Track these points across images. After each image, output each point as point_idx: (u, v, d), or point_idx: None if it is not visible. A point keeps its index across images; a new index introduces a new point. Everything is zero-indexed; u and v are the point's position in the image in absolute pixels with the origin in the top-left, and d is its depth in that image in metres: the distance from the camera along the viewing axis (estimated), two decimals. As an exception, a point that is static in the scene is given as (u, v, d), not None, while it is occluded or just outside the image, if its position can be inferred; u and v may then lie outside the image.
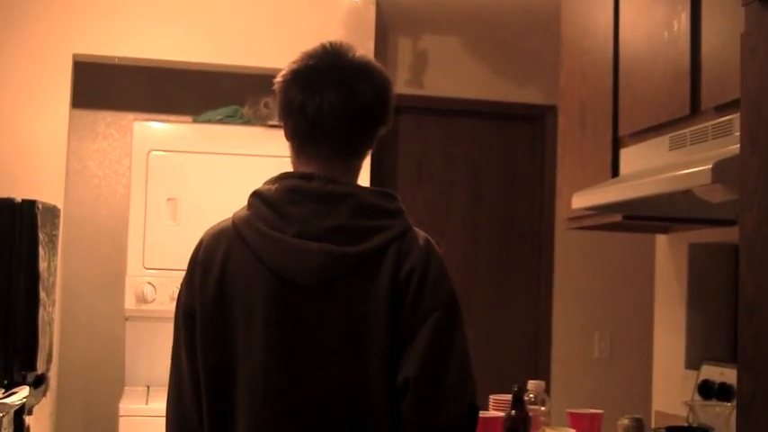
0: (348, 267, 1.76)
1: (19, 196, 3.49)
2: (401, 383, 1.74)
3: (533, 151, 5.20)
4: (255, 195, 1.84)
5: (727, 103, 2.31)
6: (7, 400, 3.15)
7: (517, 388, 2.68)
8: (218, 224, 1.88)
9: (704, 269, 3.32)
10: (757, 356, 1.72)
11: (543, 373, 4.90)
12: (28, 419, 3.32)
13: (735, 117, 2.24)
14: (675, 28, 2.59)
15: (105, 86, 5.15)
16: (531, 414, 2.68)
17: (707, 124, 2.42)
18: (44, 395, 3.72)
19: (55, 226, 3.76)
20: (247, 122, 4.51)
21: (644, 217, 3.01)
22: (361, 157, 1.90)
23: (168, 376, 1.89)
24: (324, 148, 1.84)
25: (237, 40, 4.55)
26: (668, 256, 3.46)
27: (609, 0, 3.02)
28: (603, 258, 5.06)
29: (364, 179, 4.00)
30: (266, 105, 4.44)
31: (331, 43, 1.87)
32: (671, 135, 2.60)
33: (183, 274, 1.88)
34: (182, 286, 1.87)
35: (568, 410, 2.97)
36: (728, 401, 2.78)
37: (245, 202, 1.86)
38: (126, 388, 4.32)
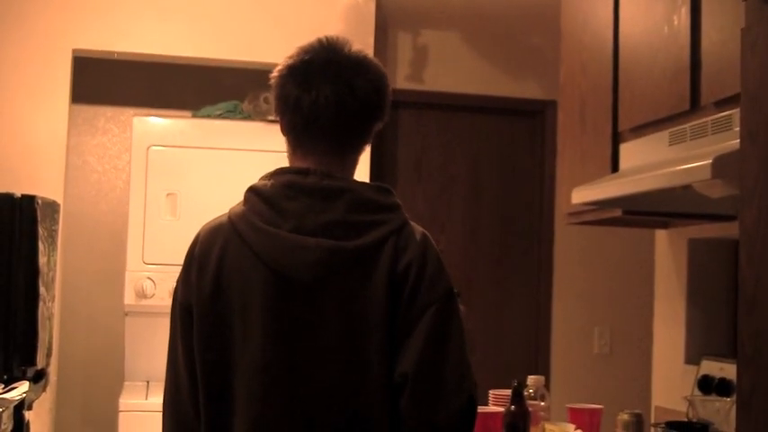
0: (345, 262, 1.75)
1: (18, 191, 3.49)
2: (399, 379, 1.73)
3: (533, 146, 5.19)
4: (251, 191, 1.84)
5: (727, 98, 2.31)
6: (7, 396, 3.15)
7: (517, 383, 2.68)
8: (215, 220, 1.88)
9: (704, 264, 3.32)
10: (757, 353, 1.72)
11: (543, 368, 4.90)
12: (28, 414, 3.32)
13: (735, 112, 2.24)
14: (675, 23, 2.59)
15: (105, 82, 5.14)
16: (530, 409, 2.68)
17: (707, 119, 2.42)
18: (44, 390, 3.72)
19: (54, 221, 3.76)
20: (247, 117, 4.51)
21: (644, 212, 3.01)
22: (358, 152, 1.90)
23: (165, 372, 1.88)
24: (320, 144, 1.84)
25: (237, 36, 4.55)
26: (668, 251, 3.46)
27: (609, -5, 3.02)
28: (603, 254, 5.06)
29: (364, 174, 4.02)
30: (266, 100, 4.44)
31: (327, 38, 1.86)
32: (671, 130, 2.60)
33: (182, 270, 1.88)
34: (178, 282, 1.87)
35: (568, 406, 2.97)
36: (728, 397, 2.78)
37: (244, 198, 1.86)
38: (125, 383, 4.32)
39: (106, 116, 5.25)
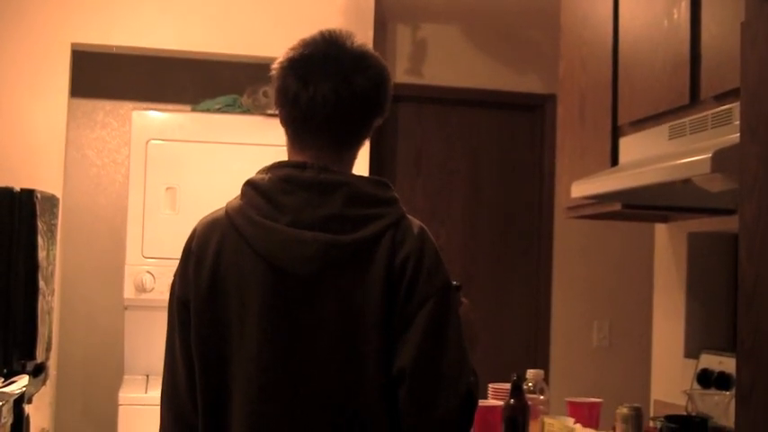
0: (342, 256, 1.75)
1: (18, 185, 3.49)
2: (397, 373, 1.73)
3: (533, 140, 5.19)
4: (248, 184, 1.83)
5: (727, 92, 2.30)
6: (7, 389, 3.15)
7: (516, 377, 2.68)
8: (212, 214, 1.87)
9: (703, 258, 3.32)
10: (756, 347, 1.72)
11: (542, 362, 4.91)
12: (27, 408, 3.32)
13: (734, 106, 2.24)
14: (675, 17, 2.58)
15: (104, 75, 5.14)
16: (529, 403, 2.68)
17: (706, 113, 2.42)
18: (44, 384, 3.72)
19: (54, 215, 3.76)
20: (246, 111, 4.50)
21: (643, 206, 3.01)
22: (356, 147, 1.89)
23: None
24: (317, 138, 1.83)
25: (236, 30, 4.54)
26: (667, 245, 3.46)
27: (609, -11, 3.01)
28: (603, 247, 5.06)
29: (363, 168, 4.02)
30: (265, 94, 4.44)
31: (329, 31, 1.85)
32: (670, 124, 2.60)
33: (179, 264, 1.87)
34: (175, 277, 1.86)
35: (567, 399, 2.97)
36: (727, 390, 2.78)
37: (243, 192, 1.85)
38: (125, 377, 4.32)
39: (105, 110, 5.25)
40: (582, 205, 3.17)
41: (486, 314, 5.04)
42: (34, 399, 3.49)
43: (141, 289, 4.24)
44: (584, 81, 3.22)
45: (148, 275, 4.23)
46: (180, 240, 1.88)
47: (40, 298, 3.47)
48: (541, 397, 2.86)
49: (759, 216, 1.72)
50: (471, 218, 5.14)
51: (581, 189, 2.91)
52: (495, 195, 5.17)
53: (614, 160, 2.95)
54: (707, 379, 2.95)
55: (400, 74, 4.93)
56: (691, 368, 3.10)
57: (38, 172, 4.27)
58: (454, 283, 1.88)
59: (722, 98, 2.35)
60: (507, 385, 2.72)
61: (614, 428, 2.77)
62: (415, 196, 4.98)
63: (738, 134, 1.84)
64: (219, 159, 4.30)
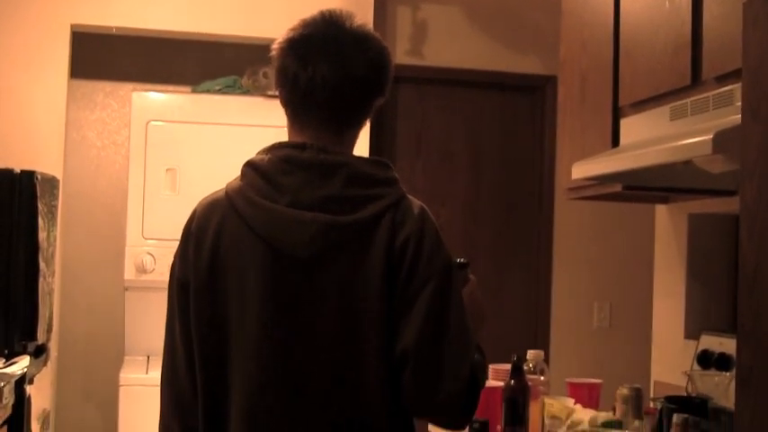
0: (342, 237, 1.74)
1: (18, 167, 3.49)
2: (399, 355, 1.72)
3: (534, 121, 5.18)
4: (248, 165, 1.82)
5: (729, 73, 2.30)
6: (8, 370, 3.16)
7: (516, 358, 2.68)
8: (212, 195, 1.86)
9: (704, 239, 3.31)
10: (756, 329, 1.72)
11: (542, 342, 4.91)
12: (29, 389, 3.33)
13: (736, 87, 2.23)
14: (677, -3, 2.57)
15: (103, 56, 5.13)
16: (530, 384, 2.68)
17: (708, 94, 2.41)
18: (44, 365, 3.74)
19: (54, 196, 3.76)
20: (246, 93, 4.50)
21: (644, 187, 3.00)
22: (357, 128, 1.88)
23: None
24: (316, 119, 1.82)
25: (236, 10, 4.53)
26: (668, 226, 3.46)
27: (610, -31, 3.00)
28: (603, 228, 5.06)
29: (364, 149, 4.01)
30: (265, 75, 4.43)
31: (330, 12, 1.84)
32: (672, 105, 2.59)
33: (179, 245, 1.87)
34: (175, 258, 1.85)
35: (567, 380, 2.98)
36: (727, 371, 2.78)
37: (243, 173, 1.85)
38: (126, 357, 4.33)
39: (105, 91, 5.24)
40: (582, 186, 3.16)
41: (486, 294, 5.01)
42: (35, 379, 3.50)
43: (141, 270, 4.25)
44: (586, 62, 3.21)
45: (149, 256, 4.24)
46: (180, 221, 1.88)
47: (41, 279, 3.48)
48: (542, 378, 2.86)
49: (760, 197, 1.72)
50: (471, 199, 5.13)
51: (582, 170, 2.90)
52: (495, 176, 5.16)
53: (615, 141, 2.94)
54: (707, 360, 2.95)
55: (401, 55, 4.91)
56: (691, 349, 3.10)
57: (38, 153, 4.27)
58: (461, 260, 1.87)
59: (723, 79, 2.34)
60: (507, 366, 2.72)
61: (614, 409, 2.78)
62: (416, 177, 4.97)
63: (740, 115, 1.84)
64: (220, 140, 4.29)
